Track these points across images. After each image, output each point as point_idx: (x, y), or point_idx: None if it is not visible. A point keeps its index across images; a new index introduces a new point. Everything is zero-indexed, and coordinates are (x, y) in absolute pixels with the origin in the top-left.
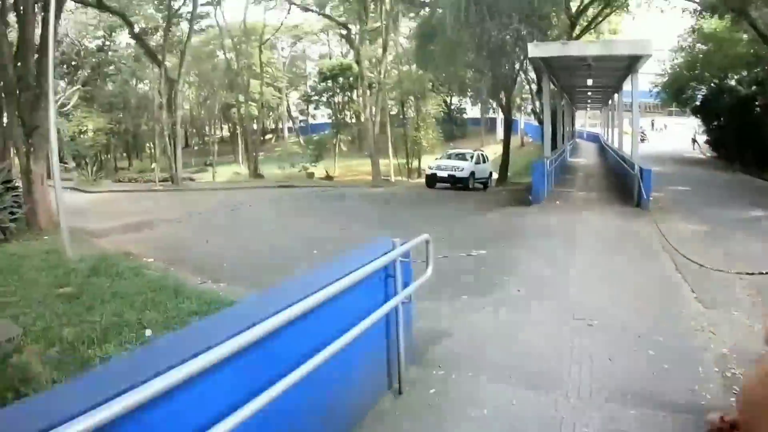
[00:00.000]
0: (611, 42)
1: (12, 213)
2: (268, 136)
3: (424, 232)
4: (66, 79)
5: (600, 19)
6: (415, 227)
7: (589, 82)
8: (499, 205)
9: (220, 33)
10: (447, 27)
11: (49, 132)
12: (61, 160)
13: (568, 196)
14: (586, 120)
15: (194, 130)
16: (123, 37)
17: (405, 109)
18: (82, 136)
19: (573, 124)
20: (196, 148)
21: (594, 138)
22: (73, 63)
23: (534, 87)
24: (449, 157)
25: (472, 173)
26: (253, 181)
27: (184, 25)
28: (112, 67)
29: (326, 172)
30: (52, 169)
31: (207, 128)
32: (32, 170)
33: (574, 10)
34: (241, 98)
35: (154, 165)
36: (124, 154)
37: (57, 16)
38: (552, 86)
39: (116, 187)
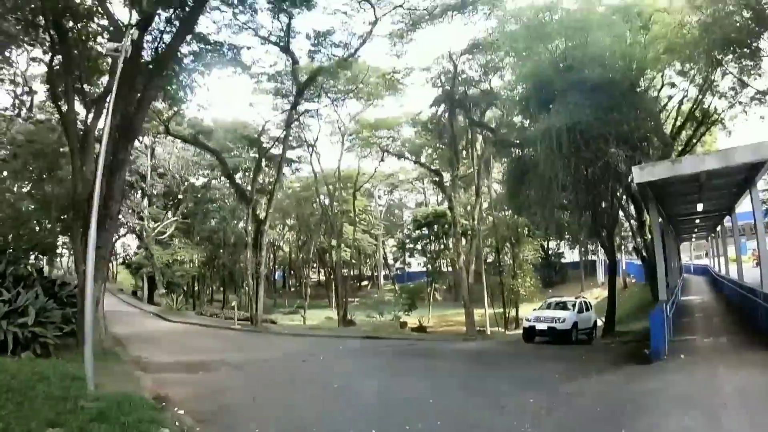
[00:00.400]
0: (729, 151)
1: (60, 329)
2: (364, 283)
3: (518, 401)
4: (170, 211)
5: (695, 141)
6: (508, 394)
7: (699, 207)
8: (612, 364)
9: (314, 178)
10: (540, 161)
11: (107, 252)
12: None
13: (692, 346)
14: (691, 252)
15: (292, 272)
16: None
17: (501, 255)
18: (175, 265)
19: (679, 258)
20: (293, 289)
21: (702, 271)
22: (179, 196)
23: (634, 222)
24: (548, 306)
25: (575, 324)
26: (340, 329)
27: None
28: (214, 204)
29: (419, 322)
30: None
31: (304, 271)
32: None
33: (668, 132)
34: (334, 243)
35: (234, 303)
36: (221, 288)
37: (124, 148)
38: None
39: (196, 320)
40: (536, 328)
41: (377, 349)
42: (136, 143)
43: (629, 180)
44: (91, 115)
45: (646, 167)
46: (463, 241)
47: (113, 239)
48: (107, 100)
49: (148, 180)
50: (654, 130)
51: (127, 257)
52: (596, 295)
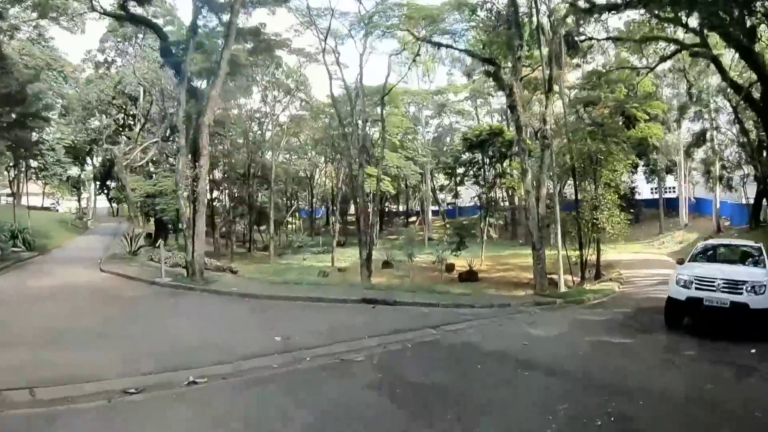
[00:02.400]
0: None
1: None
2: (411, 219)
3: None
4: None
5: None
6: None
7: None
8: None
9: (329, 78)
10: None
11: None
12: None
13: None
14: None
15: (334, 208)
16: None
17: (579, 181)
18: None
19: None
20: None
21: None
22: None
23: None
24: (709, 256)
25: None
26: (351, 279)
27: None
28: None
29: (469, 265)
30: None
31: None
32: None
33: None
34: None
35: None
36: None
37: None
38: None
39: (132, 270)
40: (703, 300)
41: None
42: None
43: None
44: None
45: None
46: (527, 157)
47: None
48: None
49: None
50: None
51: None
52: (679, 238)
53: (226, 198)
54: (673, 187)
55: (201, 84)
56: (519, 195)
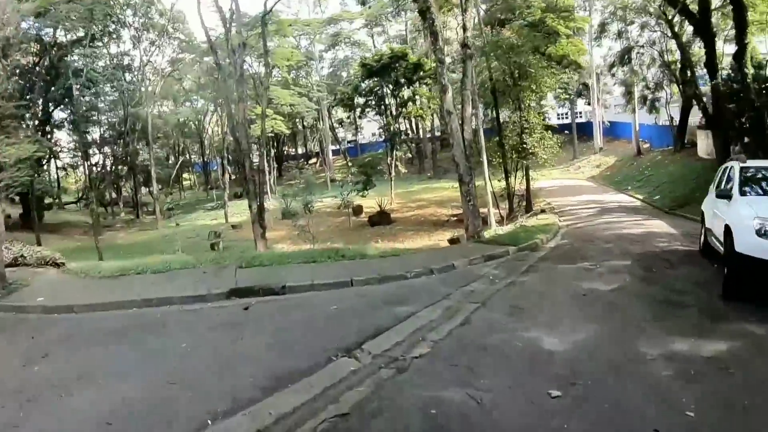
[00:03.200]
0: None
1: None
2: (312, 161)
3: None
4: None
5: None
6: None
7: None
8: None
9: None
10: None
11: None
12: None
13: None
14: None
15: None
16: None
17: (501, 104)
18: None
19: None
20: (233, 177)
21: None
22: None
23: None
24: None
25: None
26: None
27: None
28: None
29: (378, 205)
30: None
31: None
32: None
33: None
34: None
35: None
36: None
37: None
38: None
39: None
40: None
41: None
42: None
43: None
44: None
45: None
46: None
47: None
48: None
49: None
50: None
51: None
52: (596, 162)
53: (109, 161)
54: (580, 112)
55: None
56: (424, 127)
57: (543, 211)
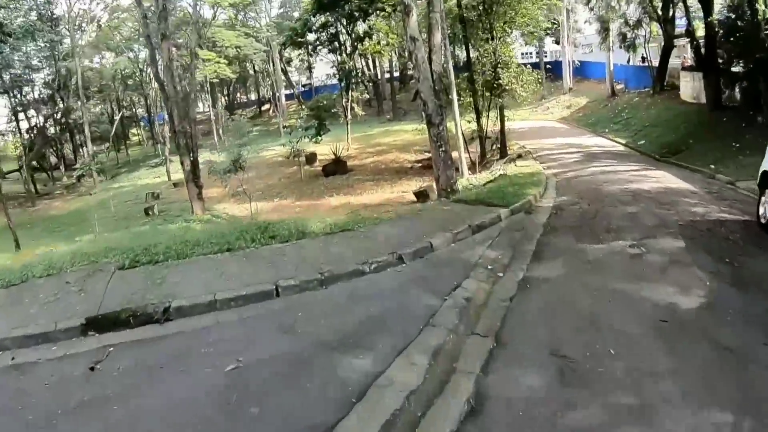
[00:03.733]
0: None
1: None
2: (265, 107)
3: None
4: None
5: None
6: None
7: None
8: None
9: None
10: None
11: None
12: None
13: None
14: None
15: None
16: None
17: (470, 36)
18: None
19: None
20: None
21: None
22: None
23: None
24: None
25: None
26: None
27: None
28: None
29: (333, 153)
30: None
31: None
32: None
33: None
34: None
35: None
36: None
37: None
38: None
39: None
40: None
41: None
42: None
43: None
44: None
45: None
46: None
47: None
48: None
49: None
50: None
51: None
52: (566, 103)
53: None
54: (546, 51)
55: None
56: (382, 65)
57: (519, 156)
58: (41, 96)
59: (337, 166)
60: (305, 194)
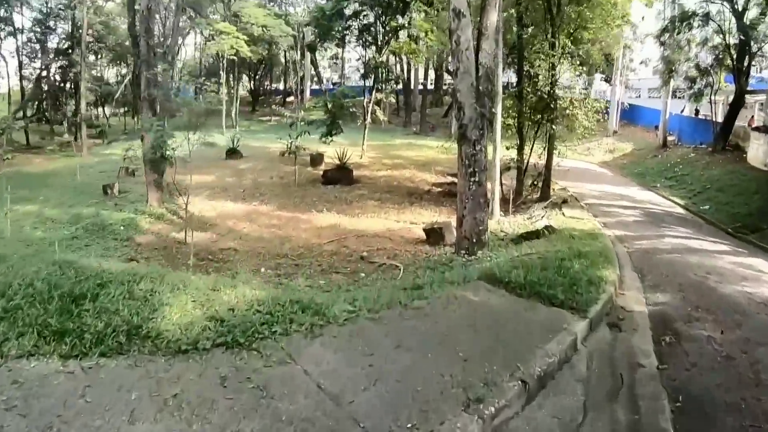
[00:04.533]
0: None
1: None
2: (290, 99)
3: None
4: None
5: None
6: None
7: None
8: None
9: None
10: None
11: None
12: None
13: None
14: None
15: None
16: None
17: (524, 42)
18: None
19: None
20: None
21: None
22: None
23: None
24: None
25: None
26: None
27: None
28: None
29: (339, 158)
30: None
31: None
32: None
33: None
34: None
35: None
36: None
37: None
38: None
39: None
40: None
41: None
42: None
43: None
44: None
45: None
46: None
47: None
48: None
49: None
50: None
51: None
52: (609, 147)
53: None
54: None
55: None
56: (416, 73)
57: (565, 201)
58: (45, 44)
59: (340, 174)
60: (292, 202)
